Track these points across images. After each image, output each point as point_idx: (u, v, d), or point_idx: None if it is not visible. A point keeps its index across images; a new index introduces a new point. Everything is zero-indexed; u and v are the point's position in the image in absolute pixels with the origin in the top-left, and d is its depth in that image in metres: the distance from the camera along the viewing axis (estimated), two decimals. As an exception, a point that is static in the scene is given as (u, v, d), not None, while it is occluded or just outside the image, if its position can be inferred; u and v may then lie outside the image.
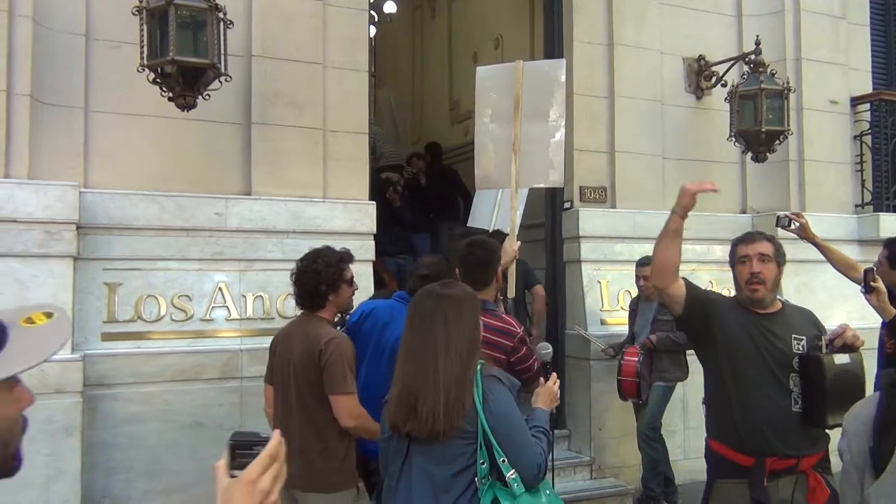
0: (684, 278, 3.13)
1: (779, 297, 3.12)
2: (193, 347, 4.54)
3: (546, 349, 2.70)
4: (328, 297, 3.33)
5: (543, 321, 6.12)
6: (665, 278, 3.06)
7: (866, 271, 3.62)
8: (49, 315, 1.24)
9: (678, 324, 3.29)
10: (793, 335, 2.92)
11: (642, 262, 5.51)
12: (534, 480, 2.30)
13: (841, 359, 2.78)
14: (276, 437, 1.22)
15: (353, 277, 3.48)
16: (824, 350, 2.81)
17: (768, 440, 2.85)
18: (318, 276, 3.30)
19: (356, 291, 3.61)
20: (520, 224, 7.14)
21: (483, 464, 2.27)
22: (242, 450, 1.22)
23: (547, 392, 2.64)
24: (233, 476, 1.19)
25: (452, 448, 2.28)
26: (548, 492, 2.37)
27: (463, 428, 2.26)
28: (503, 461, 2.26)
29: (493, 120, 4.18)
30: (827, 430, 2.91)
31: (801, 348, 2.91)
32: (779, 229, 4.23)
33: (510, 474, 2.26)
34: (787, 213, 4.17)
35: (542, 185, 4.68)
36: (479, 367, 2.34)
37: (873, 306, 3.66)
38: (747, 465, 2.88)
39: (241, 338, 4.70)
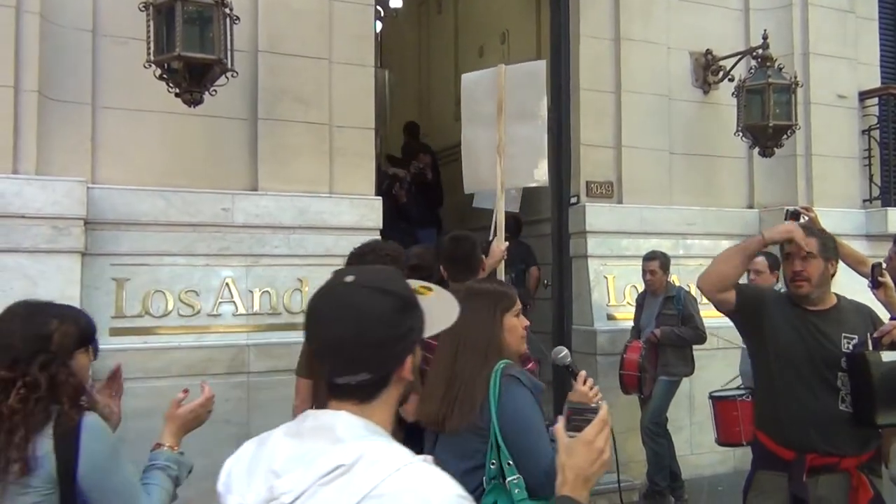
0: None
1: (835, 293, 3.05)
2: (200, 342, 4.55)
3: (561, 353, 2.64)
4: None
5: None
6: (719, 290, 3.02)
7: (874, 266, 3.60)
8: (428, 289, 1.43)
9: (730, 317, 3.18)
10: (843, 334, 2.85)
11: (649, 257, 5.51)
12: (541, 489, 2.17)
13: (890, 356, 2.69)
14: (605, 407, 1.52)
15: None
16: (870, 347, 2.74)
17: (810, 437, 2.82)
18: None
19: None
20: (526, 220, 7.16)
21: (493, 464, 2.23)
22: (576, 415, 1.51)
23: (578, 394, 2.41)
24: (570, 437, 1.45)
25: (468, 443, 2.26)
26: None
27: (476, 425, 2.25)
28: (508, 464, 2.21)
29: (479, 124, 4.27)
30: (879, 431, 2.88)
31: (850, 347, 2.84)
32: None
33: (512, 478, 2.20)
34: (796, 206, 4.15)
35: (527, 185, 4.72)
36: (499, 366, 2.31)
37: (881, 301, 3.64)
38: (788, 458, 2.85)
39: (247, 333, 4.71)
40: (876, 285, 3.56)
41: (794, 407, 2.86)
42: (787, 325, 2.94)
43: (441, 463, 2.18)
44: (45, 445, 1.83)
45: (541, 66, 4.30)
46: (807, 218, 4.11)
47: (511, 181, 4.18)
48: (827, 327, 2.88)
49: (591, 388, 2.40)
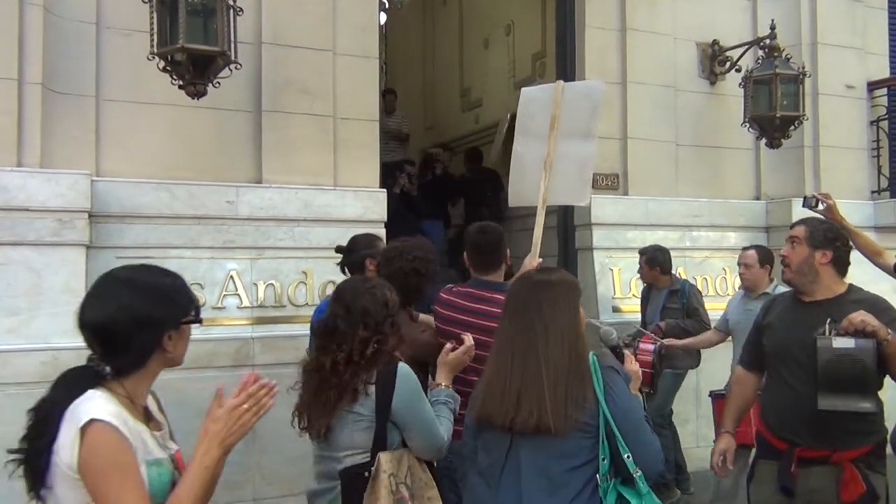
0: None
1: (850, 283, 3.01)
2: (205, 335, 4.55)
3: (612, 334, 2.61)
4: (423, 291, 3.30)
5: None
6: None
7: (807, 197, 3.73)
8: None
9: None
10: (833, 324, 2.80)
11: (641, 252, 5.50)
12: (655, 478, 2.20)
13: (842, 342, 2.65)
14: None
15: None
16: (827, 333, 2.72)
17: (797, 430, 2.85)
18: (421, 276, 3.21)
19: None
20: (531, 212, 7.12)
21: (604, 459, 2.15)
22: None
23: (633, 377, 2.45)
24: None
25: (571, 442, 2.15)
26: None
27: (583, 421, 2.14)
28: (628, 457, 2.14)
29: (530, 138, 4.12)
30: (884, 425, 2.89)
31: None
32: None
33: (635, 473, 2.14)
34: (815, 193, 4.11)
35: (570, 204, 4.69)
36: (594, 358, 2.22)
37: (826, 216, 3.68)
38: (782, 449, 2.90)
39: (252, 326, 4.71)
40: (812, 205, 3.64)
41: (784, 399, 2.90)
42: (784, 318, 3.00)
43: (540, 468, 2.14)
44: (371, 385, 2.41)
45: (598, 87, 4.21)
46: (825, 205, 4.07)
47: (554, 198, 4.04)
48: (817, 318, 2.82)
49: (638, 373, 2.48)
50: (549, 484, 2.14)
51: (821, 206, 4.11)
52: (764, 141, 6.12)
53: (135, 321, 1.72)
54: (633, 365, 2.47)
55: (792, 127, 5.98)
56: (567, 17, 6.21)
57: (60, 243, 4.22)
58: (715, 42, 6.45)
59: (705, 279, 6.24)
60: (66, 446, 1.59)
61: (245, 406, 1.77)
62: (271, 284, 4.81)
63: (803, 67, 6.06)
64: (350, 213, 4.99)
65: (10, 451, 1.66)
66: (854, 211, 6.48)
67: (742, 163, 6.63)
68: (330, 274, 4.86)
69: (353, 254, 3.81)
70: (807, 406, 2.77)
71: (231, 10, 4.21)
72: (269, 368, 4.67)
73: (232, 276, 4.72)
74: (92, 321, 1.74)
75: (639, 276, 5.60)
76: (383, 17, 9.73)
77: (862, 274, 5.51)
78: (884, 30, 7.11)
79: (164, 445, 1.82)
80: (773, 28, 5.98)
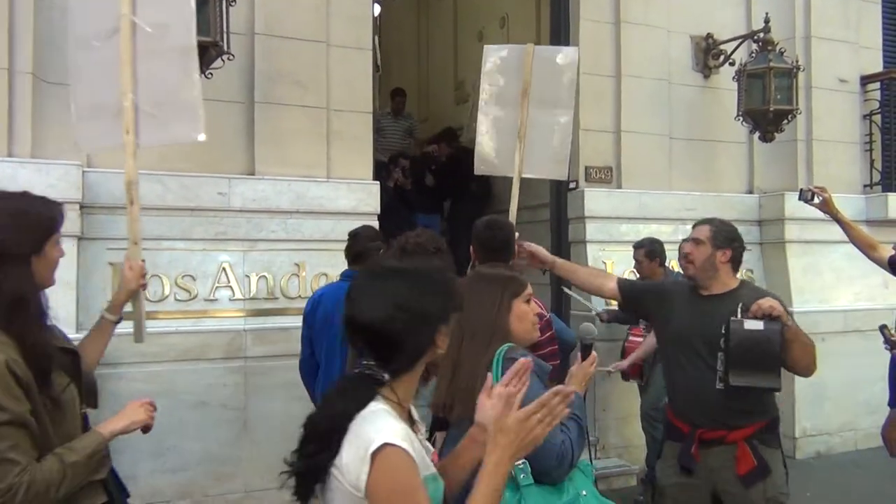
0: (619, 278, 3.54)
1: (747, 279, 3.31)
2: (198, 327, 4.54)
3: (589, 332, 2.58)
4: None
5: None
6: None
7: (803, 191, 3.91)
8: None
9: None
10: (732, 317, 3.00)
11: (636, 245, 5.50)
12: (553, 472, 2.13)
13: (752, 325, 2.89)
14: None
15: None
16: (739, 317, 2.93)
17: (696, 414, 3.10)
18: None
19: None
20: (524, 205, 7.12)
21: None
22: None
23: (582, 373, 2.39)
24: None
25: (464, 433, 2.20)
26: (583, 493, 2.17)
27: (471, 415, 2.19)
28: None
29: (498, 103, 3.99)
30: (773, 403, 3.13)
31: None
32: (801, 202, 4.21)
33: (517, 463, 2.06)
34: (811, 187, 4.13)
35: (545, 177, 4.54)
36: (501, 350, 2.22)
37: (823, 210, 3.83)
38: (685, 431, 3.14)
39: (244, 318, 4.70)
40: (808, 199, 3.87)
41: (683, 385, 3.16)
42: (682, 310, 3.22)
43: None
44: None
45: (572, 54, 4.02)
46: (821, 199, 4.08)
47: (530, 170, 3.88)
48: (715, 310, 3.07)
49: (591, 373, 2.40)
50: None
51: (816, 200, 4.12)
52: (757, 134, 6.14)
53: (414, 320, 1.61)
54: (588, 365, 2.38)
55: (785, 121, 5.99)
56: (561, 10, 6.20)
57: (51, 234, 4.19)
58: (709, 35, 6.45)
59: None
60: (354, 466, 1.52)
61: (538, 416, 1.57)
62: (264, 277, 4.79)
63: (797, 61, 6.06)
64: (343, 206, 4.98)
65: (288, 463, 1.60)
66: (846, 205, 6.49)
67: (735, 156, 6.64)
68: (323, 266, 4.86)
69: (357, 244, 3.77)
70: (704, 391, 3.04)
71: (224, 1, 4.19)
72: (262, 361, 4.68)
73: (224, 269, 4.71)
74: (368, 322, 1.60)
75: (635, 269, 5.59)
76: (377, 9, 9.68)
77: (853, 269, 5.62)
78: (877, 24, 7.12)
79: (428, 449, 1.74)
80: (766, 21, 5.99)
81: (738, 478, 2.97)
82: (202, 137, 3.04)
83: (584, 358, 2.42)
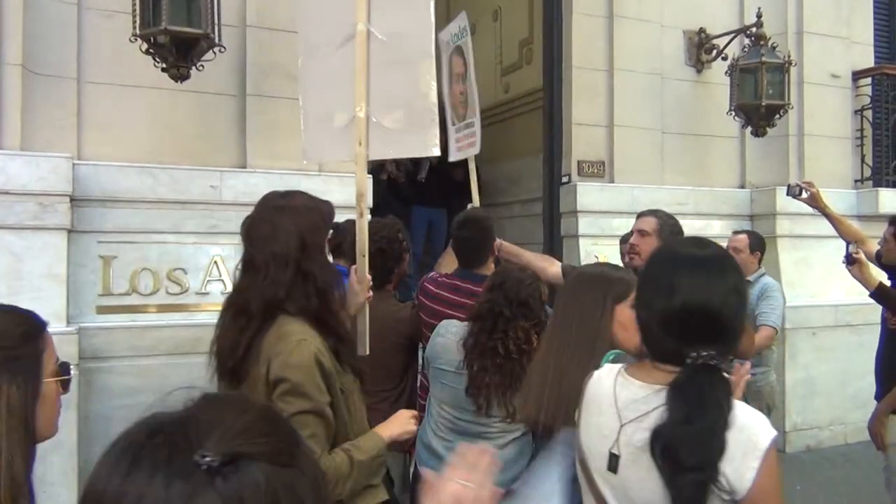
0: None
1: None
2: (189, 321, 4.52)
3: None
4: (394, 270, 3.32)
5: None
6: None
7: (848, 244, 3.76)
8: None
9: None
10: None
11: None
12: None
13: None
14: None
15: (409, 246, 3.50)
16: None
17: None
18: (384, 253, 3.22)
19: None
20: (517, 199, 7.12)
21: None
22: None
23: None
24: None
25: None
26: None
27: None
28: None
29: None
30: None
31: None
32: (789, 197, 4.21)
33: None
34: (799, 181, 4.14)
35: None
36: (608, 358, 2.03)
37: (856, 278, 3.73)
38: None
39: (237, 311, 4.68)
40: (850, 262, 3.66)
41: None
42: None
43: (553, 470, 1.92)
44: None
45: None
46: (808, 193, 4.09)
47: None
48: None
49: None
50: None
51: (804, 195, 4.14)
52: (749, 129, 6.15)
53: (743, 303, 1.51)
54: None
55: (777, 115, 6.00)
56: (554, 4, 6.18)
57: (41, 227, 4.17)
58: (702, 30, 6.45)
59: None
60: (740, 466, 1.38)
61: None
62: (256, 270, 4.77)
63: (789, 56, 6.08)
64: (335, 199, 4.85)
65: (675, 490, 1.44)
66: (837, 200, 6.52)
67: (727, 151, 6.65)
68: (315, 260, 4.84)
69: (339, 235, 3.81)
70: None
71: (215, -8, 4.16)
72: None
73: (216, 262, 4.69)
74: (717, 310, 1.47)
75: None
76: (370, 2, 9.64)
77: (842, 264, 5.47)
78: (869, 19, 7.14)
79: None
80: (759, 16, 5.99)
81: None
82: (436, 152, 2.91)
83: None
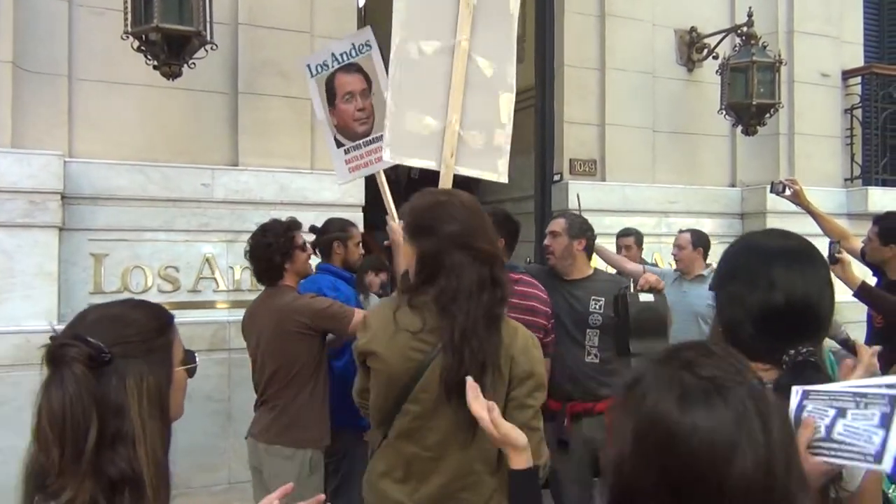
0: None
1: (595, 268, 3.72)
2: (181, 319, 4.43)
3: (841, 327, 2.44)
4: (284, 266, 3.35)
5: None
6: None
7: (831, 243, 3.75)
8: None
9: None
10: (592, 297, 3.44)
11: (623, 234, 5.52)
12: None
13: (645, 297, 3.23)
14: None
15: (305, 243, 3.50)
16: (632, 290, 3.28)
17: (567, 388, 3.41)
18: (270, 248, 3.32)
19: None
20: (508, 197, 7.12)
21: None
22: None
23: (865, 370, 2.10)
24: None
25: None
26: None
27: None
28: None
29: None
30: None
31: (598, 308, 3.43)
32: (772, 195, 4.24)
33: None
34: (782, 179, 4.18)
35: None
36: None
37: (839, 277, 3.74)
38: (556, 409, 3.39)
39: (228, 309, 4.68)
40: (833, 261, 3.70)
41: (554, 364, 3.33)
42: (552, 295, 3.40)
43: None
44: None
45: None
46: (791, 190, 4.12)
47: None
48: (578, 293, 3.48)
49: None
50: None
51: (787, 192, 4.17)
52: (740, 128, 6.17)
53: (834, 296, 1.45)
54: (869, 358, 1.90)
55: (768, 114, 6.03)
56: (546, 2, 6.19)
57: (32, 225, 4.16)
58: (693, 29, 6.48)
59: (681, 265, 6.28)
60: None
61: None
62: (248, 268, 4.73)
63: (779, 55, 6.10)
64: (327, 197, 4.96)
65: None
66: (827, 198, 6.57)
67: (718, 150, 6.68)
68: (307, 258, 4.84)
69: (324, 235, 3.85)
70: (571, 367, 3.40)
71: (207, -10, 4.15)
72: (245, 353, 4.66)
73: (208, 260, 4.69)
74: (807, 299, 1.42)
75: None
76: (362, 0, 9.63)
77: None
78: (859, 18, 7.18)
79: None
80: (750, 16, 6.02)
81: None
82: (505, 180, 3.08)
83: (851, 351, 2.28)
